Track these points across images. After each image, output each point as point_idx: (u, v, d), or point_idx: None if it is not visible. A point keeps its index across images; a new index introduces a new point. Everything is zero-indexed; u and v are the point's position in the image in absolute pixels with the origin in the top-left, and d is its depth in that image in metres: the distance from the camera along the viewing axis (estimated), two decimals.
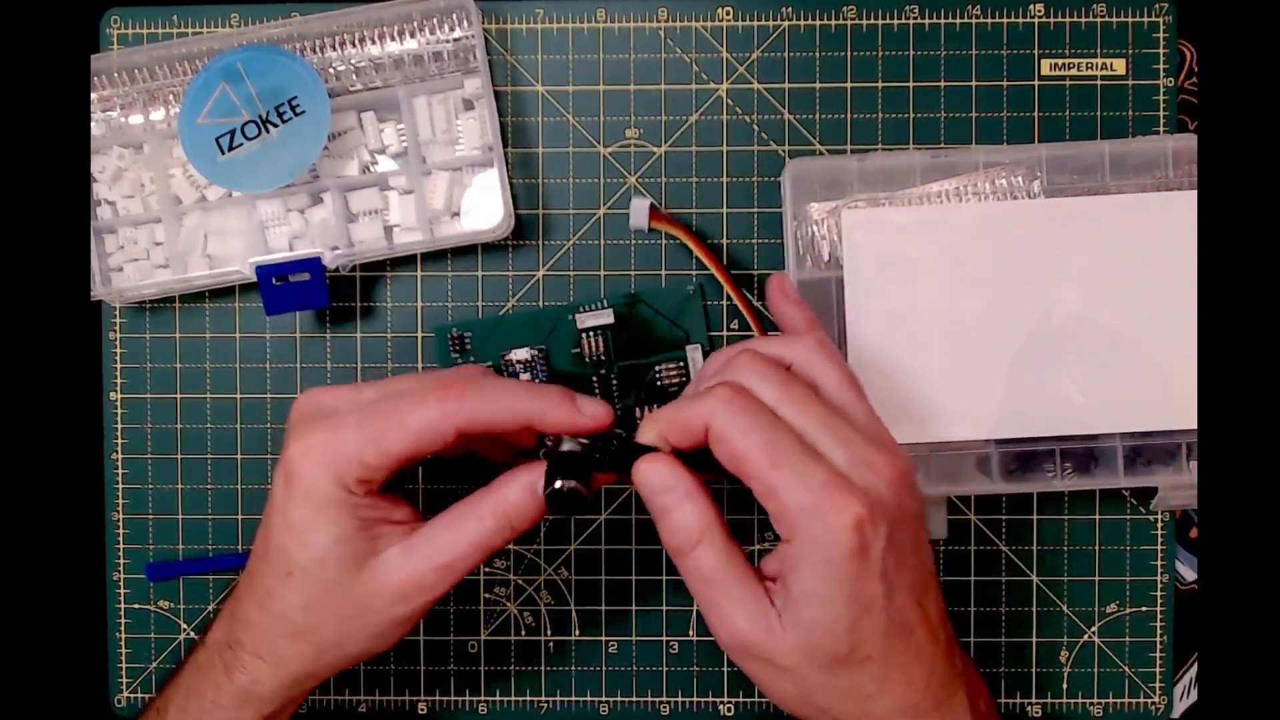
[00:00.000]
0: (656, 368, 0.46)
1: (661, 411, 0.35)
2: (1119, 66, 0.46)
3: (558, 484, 0.35)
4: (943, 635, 0.35)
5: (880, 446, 0.34)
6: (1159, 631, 0.47)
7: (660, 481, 0.34)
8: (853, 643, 0.32)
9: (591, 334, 0.46)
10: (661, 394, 0.46)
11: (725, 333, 0.47)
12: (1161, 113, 0.46)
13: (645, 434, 0.35)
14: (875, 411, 0.35)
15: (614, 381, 0.46)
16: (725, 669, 0.47)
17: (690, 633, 0.47)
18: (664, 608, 0.47)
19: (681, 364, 0.46)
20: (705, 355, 0.46)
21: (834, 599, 0.32)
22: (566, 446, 0.36)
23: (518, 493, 0.36)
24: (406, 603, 0.36)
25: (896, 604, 0.33)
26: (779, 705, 0.35)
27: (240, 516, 0.47)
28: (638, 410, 0.46)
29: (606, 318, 0.45)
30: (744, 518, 0.47)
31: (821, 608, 0.32)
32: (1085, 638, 0.47)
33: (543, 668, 0.47)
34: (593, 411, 0.36)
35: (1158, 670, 0.47)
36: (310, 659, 0.36)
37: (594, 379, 0.46)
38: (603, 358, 0.46)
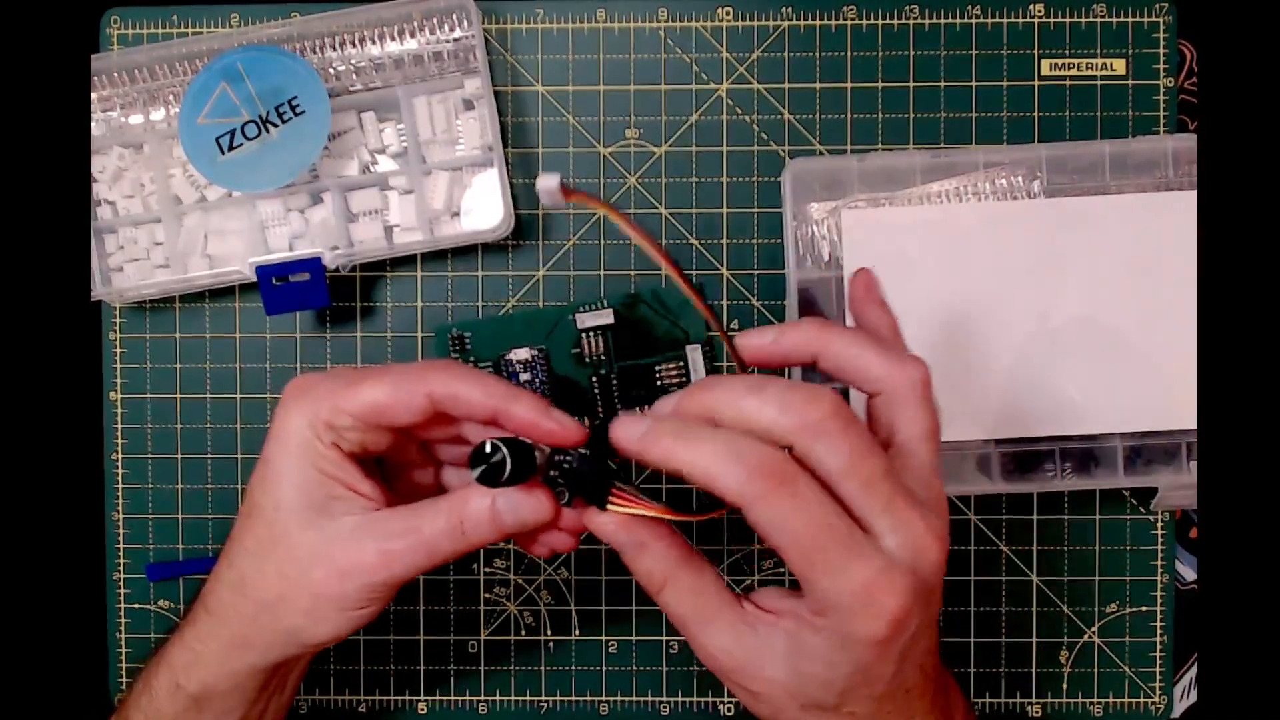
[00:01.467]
0: (656, 368, 0.46)
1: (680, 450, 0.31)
2: (1119, 66, 0.46)
3: (487, 447, 0.32)
4: (931, 687, 0.34)
5: (934, 517, 0.31)
6: (1159, 631, 0.47)
7: (615, 538, 0.33)
8: (841, 700, 0.32)
9: (591, 334, 0.46)
10: (662, 394, 0.46)
11: (725, 333, 0.46)
12: (1161, 113, 0.46)
13: (659, 441, 0.32)
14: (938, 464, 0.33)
15: (614, 381, 0.46)
16: None
17: None
18: None
19: (681, 364, 0.46)
20: (705, 355, 0.46)
21: (842, 669, 0.31)
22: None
23: (479, 500, 0.34)
24: (342, 580, 0.34)
25: (901, 674, 0.32)
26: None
27: None
28: (638, 410, 0.46)
29: (606, 318, 0.45)
30: None
31: (825, 670, 0.31)
32: (1085, 638, 0.47)
33: (543, 668, 0.47)
34: (562, 419, 0.34)
35: (1158, 670, 0.47)
36: (247, 617, 0.36)
37: (594, 378, 0.46)
38: (603, 358, 0.46)
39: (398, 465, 0.39)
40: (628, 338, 0.46)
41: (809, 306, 0.44)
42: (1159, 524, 0.47)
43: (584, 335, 0.46)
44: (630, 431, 0.32)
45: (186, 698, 0.37)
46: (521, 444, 0.33)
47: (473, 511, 0.34)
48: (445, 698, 0.47)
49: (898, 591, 0.30)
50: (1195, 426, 0.43)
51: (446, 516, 0.34)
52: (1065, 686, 0.47)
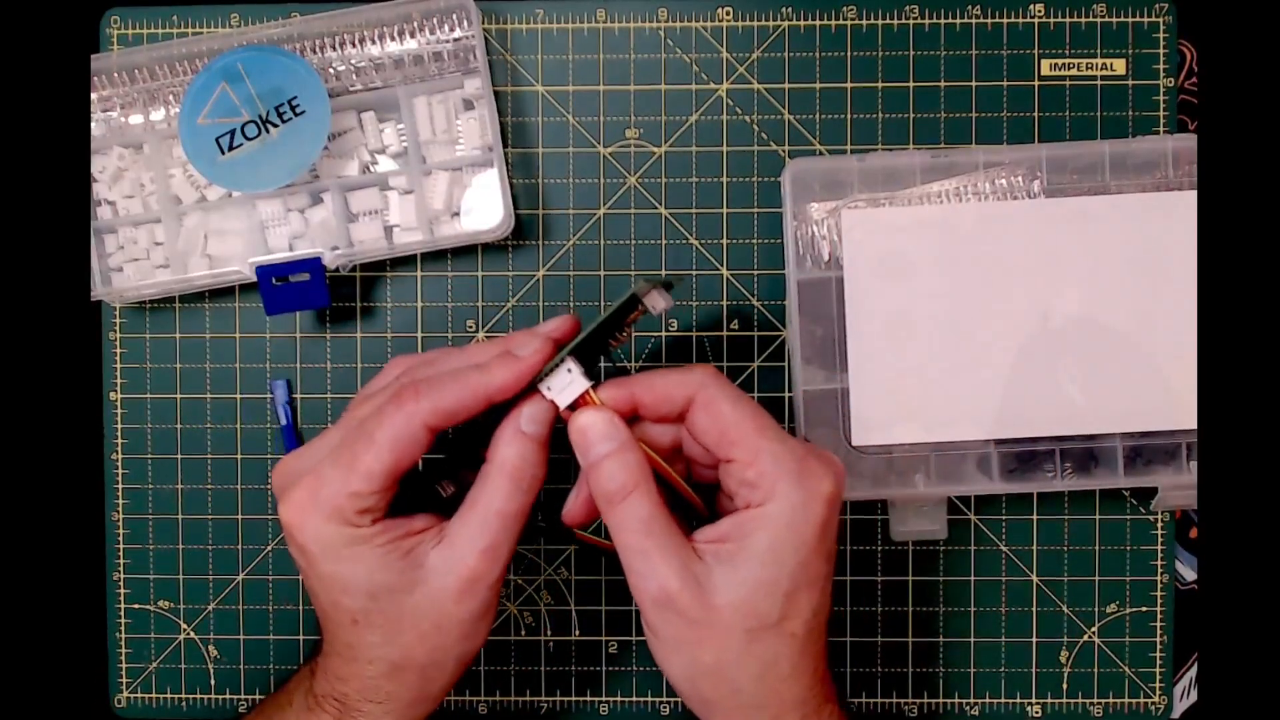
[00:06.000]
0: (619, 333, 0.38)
1: (634, 379, 0.36)
2: (1119, 66, 0.46)
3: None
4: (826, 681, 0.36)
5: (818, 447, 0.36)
6: (1159, 631, 0.47)
7: (603, 429, 0.35)
8: (785, 611, 0.33)
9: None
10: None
11: (725, 333, 0.47)
12: (1161, 113, 0.46)
13: (608, 393, 0.35)
14: None
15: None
16: None
17: None
18: None
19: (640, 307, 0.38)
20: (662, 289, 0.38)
21: (789, 561, 0.33)
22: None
23: (510, 447, 0.36)
24: (472, 597, 0.35)
25: (827, 590, 0.35)
26: (678, 680, 0.35)
27: (240, 516, 0.47)
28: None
29: (580, 388, 0.36)
30: None
31: (774, 566, 0.33)
32: (1085, 638, 0.47)
33: (543, 668, 0.47)
34: (530, 350, 0.36)
35: (1158, 670, 0.47)
36: (417, 686, 0.36)
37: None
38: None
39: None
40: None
41: (809, 305, 0.44)
42: (1159, 524, 0.47)
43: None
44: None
45: None
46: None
47: (512, 456, 0.35)
48: (445, 697, 0.47)
49: (829, 469, 0.34)
50: (1195, 426, 0.43)
51: (506, 481, 0.35)
52: (1065, 686, 0.47)
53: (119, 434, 0.47)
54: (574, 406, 0.36)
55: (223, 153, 0.43)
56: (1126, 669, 0.47)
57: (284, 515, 0.35)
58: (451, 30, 0.45)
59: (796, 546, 0.33)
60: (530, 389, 0.36)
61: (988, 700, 0.47)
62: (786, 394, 0.47)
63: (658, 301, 0.37)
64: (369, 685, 0.36)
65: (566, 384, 0.36)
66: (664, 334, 0.47)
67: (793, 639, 0.34)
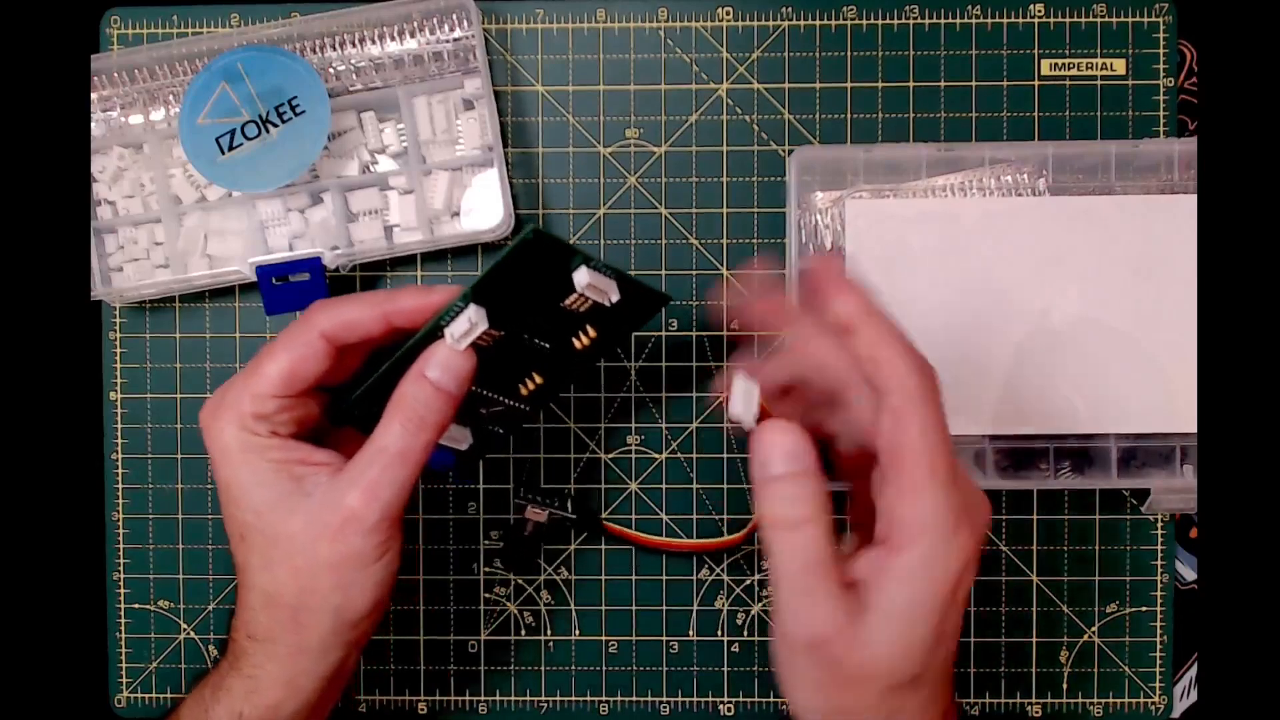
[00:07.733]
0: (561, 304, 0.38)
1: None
2: (1119, 66, 0.46)
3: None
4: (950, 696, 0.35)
5: (979, 490, 0.33)
6: (1159, 631, 0.47)
7: (792, 447, 0.32)
8: (923, 667, 0.32)
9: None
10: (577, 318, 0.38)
11: (725, 333, 0.47)
12: (1161, 113, 0.46)
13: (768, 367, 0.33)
14: None
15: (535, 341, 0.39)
16: (725, 669, 0.47)
17: (690, 633, 0.47)
18: (664, 608, 0.47)
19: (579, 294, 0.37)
20: (592, 268, 0.37)
21: (927, 622, 0.31)
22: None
23: (411, 385, 0.35)
24: (343, 540, 0.35)
25: (958, 637, 0.33)
26: (806, 715, 0.33)
27: None
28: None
29: (480, 326, 0.36)
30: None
31: (913, 628, 0.31)
32: (1085, 638, 0.47)
33: (543, 668, 0.47)
34: (441, 289, 0.36)
35: (1158, 670, 0.47)
36: (291, 629, 0.36)
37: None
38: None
39: (344, 437, 0.39)
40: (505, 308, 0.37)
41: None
42: (1159, 524, 0.47)
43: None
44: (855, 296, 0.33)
45: None
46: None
47: (407, 396, 0.35)
48: (445, 698, 0.47)
49: (974, 532, 0.31)
50: (1192, 429, 0.43)
51: (398, 419, 0.35)
52: (1065, 686, 0.47)
53: (119, 434, 0.47)
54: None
55: (223, 153, 0.43)
56: (1126, 669, 0.47)
57: (199, 420, 0.37)
58: (451, 30, 0.45)
59: (934, 607, 0.31)
60: (438, 332, 0.36)
61: (988, 700, 0.47)
62: None
63: (583, 277, 0.35)
64: (248, 616, 0.36)
65: (465, 330, 0.35)
66: (664, 334, 0.47)
67: (923, 688, 0.32)
